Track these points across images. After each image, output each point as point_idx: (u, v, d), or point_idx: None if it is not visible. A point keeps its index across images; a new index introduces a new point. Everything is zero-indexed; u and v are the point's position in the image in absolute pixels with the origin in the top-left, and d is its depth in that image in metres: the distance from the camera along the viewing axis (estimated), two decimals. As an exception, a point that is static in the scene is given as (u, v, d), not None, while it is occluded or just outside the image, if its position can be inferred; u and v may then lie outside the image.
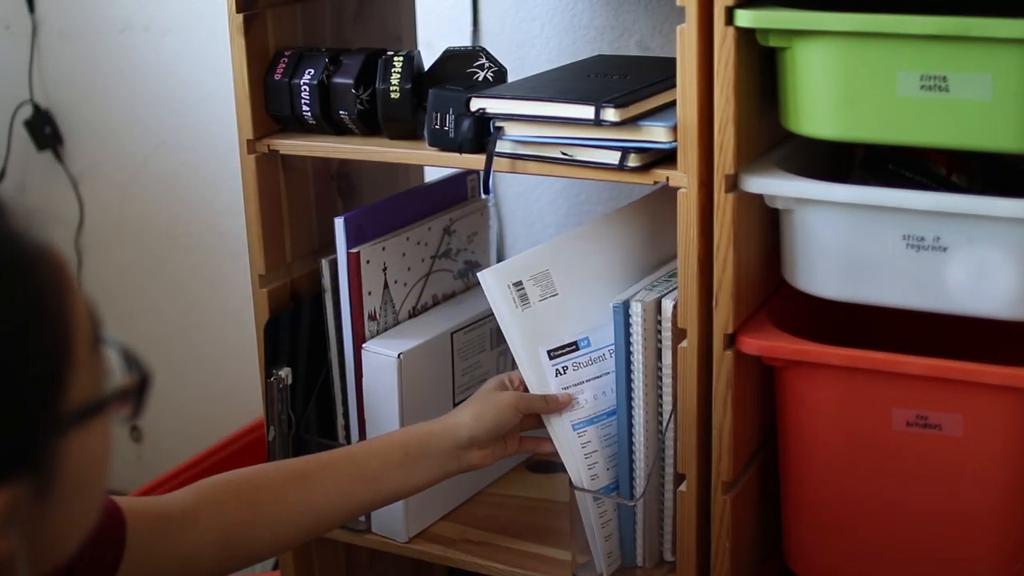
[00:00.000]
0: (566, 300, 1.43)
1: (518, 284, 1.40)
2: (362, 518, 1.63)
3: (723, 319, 1.34)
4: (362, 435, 1.59)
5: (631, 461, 1.44)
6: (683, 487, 1.39)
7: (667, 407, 1.42)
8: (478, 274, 1.41)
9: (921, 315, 1.33)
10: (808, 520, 1.42)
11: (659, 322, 1.40)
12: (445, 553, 1.56)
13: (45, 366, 0.75)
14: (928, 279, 1.28)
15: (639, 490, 1.44)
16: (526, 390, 1.43)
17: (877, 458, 1.34)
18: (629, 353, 1.41)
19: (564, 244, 1.46)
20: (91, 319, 0.80)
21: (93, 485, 0.81)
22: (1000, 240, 1.24)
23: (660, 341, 1.40)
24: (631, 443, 1.43)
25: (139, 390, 0.82)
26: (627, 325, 1.40)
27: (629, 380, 1.41)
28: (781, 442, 1.42)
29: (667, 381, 1.41)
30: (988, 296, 1.26)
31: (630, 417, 1.43)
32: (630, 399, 1.42)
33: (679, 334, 1.36)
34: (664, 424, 1.42)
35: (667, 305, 1.39)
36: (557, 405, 1.41)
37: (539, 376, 1.42)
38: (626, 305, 1.40)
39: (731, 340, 1.35)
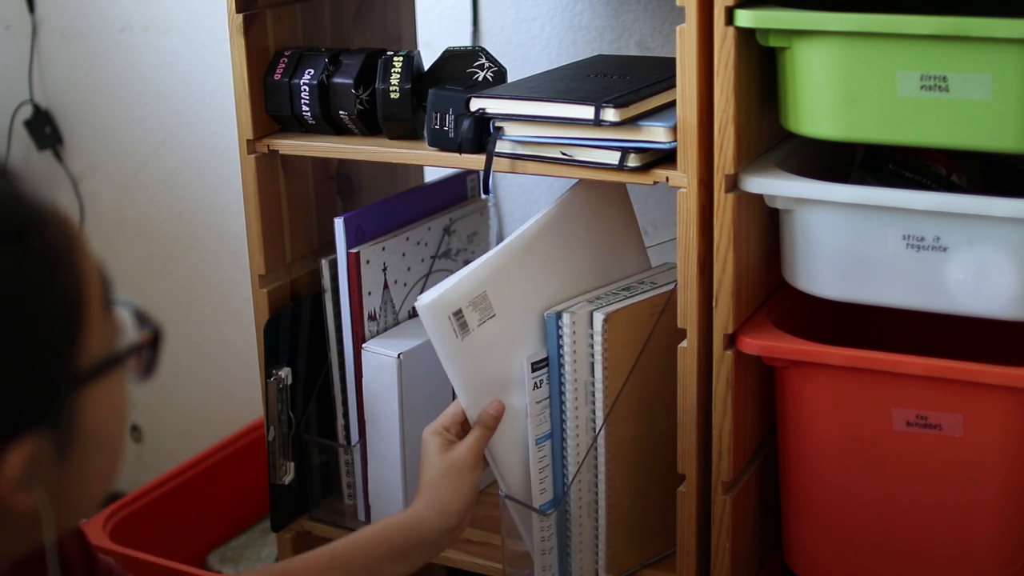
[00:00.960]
0: (504, 320, 1.38)
1: (458, 313, 1.33)
2: (362, 518, 1.63)
3: (723, 319, 1.34)
4: (362, 435, 1.59)
5: (563, 476, 1.43)
6: (683, 487, 1.39)
7: (599, 422, 1.41)
8: (415, 305, 1.31)
9: (921, 315, 1.33)
10: (808, 520, 1.42)
11: (591, 335, 1.39)
12: (445, 553, 1.56)
13: (61, 321, 0.77)
14: (928, 279, 1.28)
15: (572, 504, 1.44)
16: (463, 426, 1.36)
17: (877, 458, 1.34)
18: (560, 365, 1.40)
19: (498, 261, 1.37)
20: (102, 278, 0.82)
21: (112, 442, 0.83)
22: (1000, 240, 1.24)
23: (592, 355, 1.40)
24: (563, 457, 1.43)
25: (152, 346, 0.84)
26: (558, 337, 1.39)
27: (560, 393, 1.40)
28: (781, 442, 1.42)
29: (599, 396, 1.40)
30: (988, 296, 1.26)
31: (563, 431, 1.42)
32: (562, 411, 1.41)
33: (679, 334, 1.36)
34: (596, 439, 1.41)
35: (598, 318, 1.38)
36: (496, 423, 1.36)
37: (478, 404, 1.36)
38: (558, 316, 1.39)
39: (731, 340, 1.35)
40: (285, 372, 1.58)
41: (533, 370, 1.39)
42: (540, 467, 1.43)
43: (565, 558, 1.47)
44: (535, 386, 1.39)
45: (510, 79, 1.50)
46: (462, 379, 1.35)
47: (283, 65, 1.51)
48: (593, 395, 1.41)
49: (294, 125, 1.54)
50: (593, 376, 1.40)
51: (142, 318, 0.84)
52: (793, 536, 1.45)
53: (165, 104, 2.24)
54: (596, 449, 1.42)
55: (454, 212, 1.68)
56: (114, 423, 0.82)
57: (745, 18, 1.26)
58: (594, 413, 1.41)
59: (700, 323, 1.35)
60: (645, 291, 1.44)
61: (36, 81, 2.32)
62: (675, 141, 1.31)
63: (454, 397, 1.38)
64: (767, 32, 1.28)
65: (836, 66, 1.25)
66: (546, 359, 1.40)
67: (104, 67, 2.27)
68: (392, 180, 1.78)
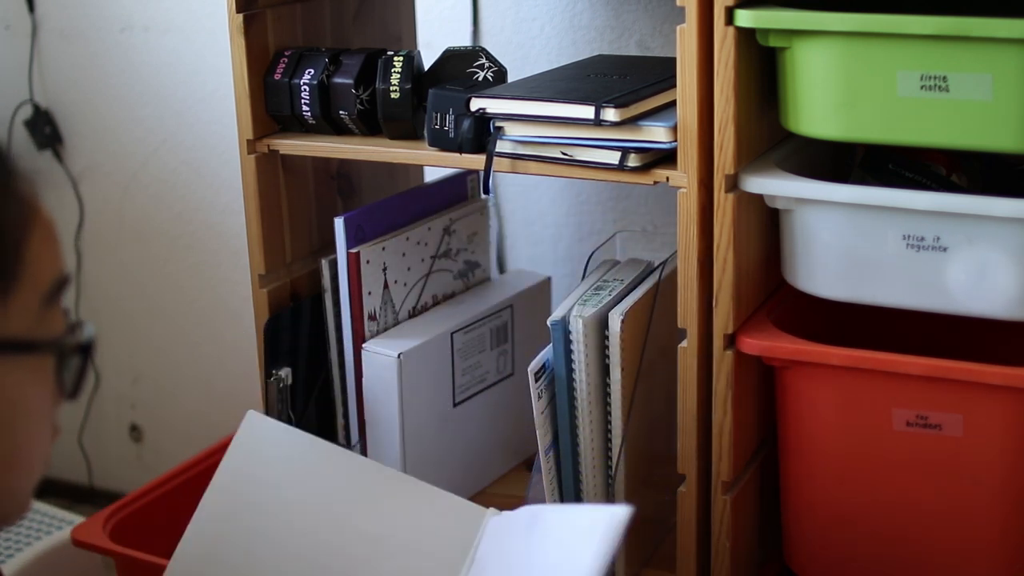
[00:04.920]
0: None
1: None
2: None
3: (723, 319, 1.34)
4: (362, 435, 1.59)
5: (576, 482, 1.43)
6: (683, 487, 1.39)
7: (616, 424, 1.41)
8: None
9: (921, 315, 1.33)
10: (808, 520, 1.42)
11: (606, 337, 1.39)
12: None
13: None
14: (928, 279, 1.28)
15: None
16: None
17: (877, 458, 1.34)
18: (571, 371, 1.39)
19: None
20: (56, 274, 0.81)
21: (13, 430, 0.80)
22: (1000, 240, 1.24)
23: (608, 357, 1.39)
24: (575, 463, 1.42)
25: (82, 356, 0.82)
26: (567, 344, 1.38)
27: (572, 401, 1.39)
28: (781, 442, 1.42)
29: (616, 399, 1.39)
30: (988, 296, 1.26)
31: (575, 440, 1.41)
32: (573, 419, 1.40)
33: (679, 334, 1.36)
34: (623, 442, 1.41)
35: (615, 319, 1.37)
36: None
37: None
38: (564, 323, 1.38)
39: (731, 340, 1.35)
40: (285, 372, 1.58)
41: (535, 380, 1.38)
42: (550, 477, 1.42)
43: None
44: (539, 396, 1.39)
45: (510, 79, 1.50)
46: None
47: (283, 65, 1.51)
48: (608, 398, 1.40)
49: (294, 125, 1.54)
50: (608, 379, 1.39)
51: (79, 329, 0.82)
52: (793, 536, 1.45)
53: (165, 104, 2.24)
54: (612, 452, 1.41)
55: (454, 212, 1.68)
56: (17, 410, 0.80)
57: (745, 18, 1.26)
58: (609, 415, 1.41)
59: (700, 323, 1.35)
60: (618, 287, 1.44)
61: (36, 81, 2.32)
62: (675, 141, 1.31)
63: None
64: (767, 32, 1.28)
65: (836, 66, 1.25)
66: (544, 367, 1.40)
67: (104, 67, 2.27)
68: (392, 180, 1.78)
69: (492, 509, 1.25)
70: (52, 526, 2.17)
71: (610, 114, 1.30)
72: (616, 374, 1.39)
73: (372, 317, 1.57)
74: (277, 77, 1.51)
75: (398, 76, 1.46)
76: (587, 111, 1.31)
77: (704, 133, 1.30)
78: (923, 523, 1.35)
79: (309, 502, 1.27)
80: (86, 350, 0.82)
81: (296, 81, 1.50)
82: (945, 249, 1.26)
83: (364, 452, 1.59)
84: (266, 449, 1.29)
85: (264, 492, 1.27)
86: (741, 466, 1.41)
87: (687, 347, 1.35)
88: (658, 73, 1.42)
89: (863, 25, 1.22)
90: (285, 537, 1.26)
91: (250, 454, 1.27)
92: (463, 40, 1.94)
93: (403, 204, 1.63)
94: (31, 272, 0.78)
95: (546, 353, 1.40)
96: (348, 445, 1.63)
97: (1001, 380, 1.25)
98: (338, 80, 1.50)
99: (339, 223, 1.53)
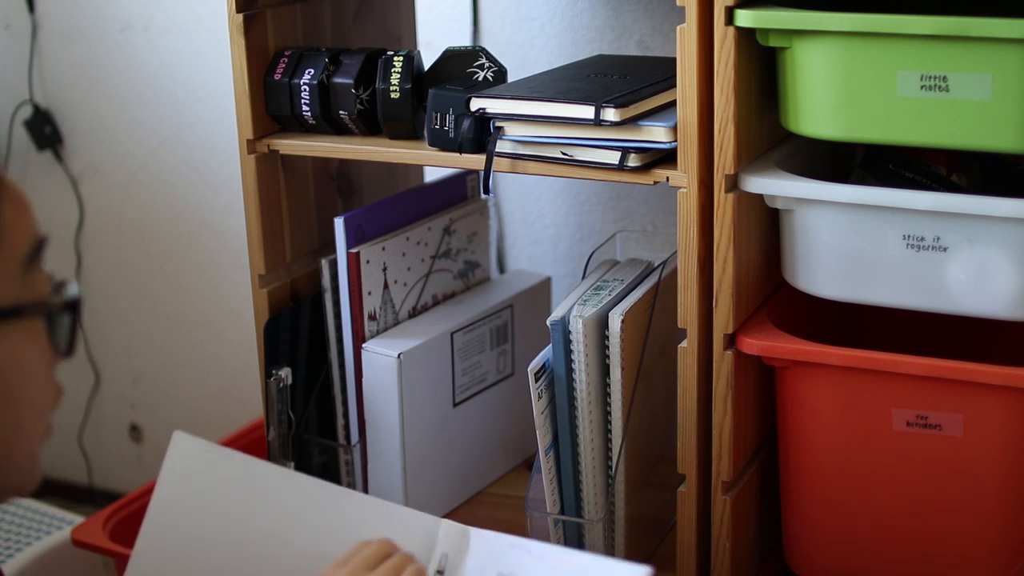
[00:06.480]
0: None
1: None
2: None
3: (723, 319, 1.34)
4: (362, 435, 1.59)
5: (576, 482, 1.43)
6: (683, 487, 1.39)
7: (616, 424, 1.41)
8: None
9: (921, 315, 1.33)
10: (808, 520, 1.42)
11: (606, 337, 1.39)
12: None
13: None
14: (928, 279, 1.28)
15: (587, 512, 1.43)
16: None
17: (877, 458, 1.34)
18: (571, 371, 1.39)
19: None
20: (33, 238, 0.82)
21: (14, 394, 0.81)
22: (1000, 240, 1.24)
23: (608, 357, 1.39)
24: (576, 463, 1.42)
25: (70, 314, 0.83)
26: (567, 344, 1.38)
27: (572, 401, 1.40)
28: (781, 442, 1.42)
29: (616, 399, 1.40)
30: (988, 296, 1.26)
31: (575, 440, 1.41)
32: (573, 418, 1.40)
33: (679, 334, 1.36)
34: (622, 442, 1.41)
35: (615, 320, 1.37)
36: None
37: None
38: (564, 323, 1.38)
39: (731, 340, 1.35)
40: (285, 372, 1.58)
41: (535, 380, 1.38)
42: (550, 477, 1.43)
43: None
44: (539, 396, 1.39)
45: (510, 79, 1.50)
46: None
47: (283, 65, 1.51)
48: (608, 398, 1.40)
49: (294, 125, 1.54)
50: (609, 379, 1.39)
51: (64, 288, 0.83)
52: (793, 536, 1.45)
53: (165, 104, 2.24)
54: (612, 452, 1.41)
55: (454, 212, 1.68)
56: (18, 375, 0.81)
57: (745, 18, 1.26)
58: (609, 414, 1.41)
59: (700, 323, 1.35)
60: (618, 287, 1.44)
61: (36, 81, 2.32)
62: (675, 141, 1.31)
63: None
64: (767, 32, 1.28)
65: (836, 66, 1.25)
66: (543, 367, 1.40)
67: (104, 67, 2.27)
68: (392, 180, 1.78)
69: (445, 520, 1.23)
70: (52, 526, 2.17)
71: (610, 114, 1.30)
72: (616, 374, 1.39)
73: (372, 317, 1.57)
74: (277, 77, 1.51)
75: (398, 76, 1.46)
76: (587, 111, 1.31)
77: (704, 133, 1.30)
78: (923, 523, 1.35)
79: (254, 524, 1.22)
80: (73, 307, 0.83)
81: (296, 81, 1.50)
82: (945, 249, 1.26)
83: (364, 452, 1.60)
84: (200, 471, 1.24)
85: (206, 517, 1.23)
86: (741, 466, 1.41)
87: (687, 347, 1.35)
88: (658, 73, 1.42)
89: (863, 25, 1.22)
90: (233, 562, 1.23)
91: (184, 478, 1.23)
92: (463, 40, 1.94)
93: (403, 204, 1.63)
94: (5, 240, 0.79)
95: (546, 353, 1.40)
96: (348, 445, 1.63)
97: (1001, 380, 1.25)
98: (338, 80, 1.50)
99: (339, 223, 1.53)
